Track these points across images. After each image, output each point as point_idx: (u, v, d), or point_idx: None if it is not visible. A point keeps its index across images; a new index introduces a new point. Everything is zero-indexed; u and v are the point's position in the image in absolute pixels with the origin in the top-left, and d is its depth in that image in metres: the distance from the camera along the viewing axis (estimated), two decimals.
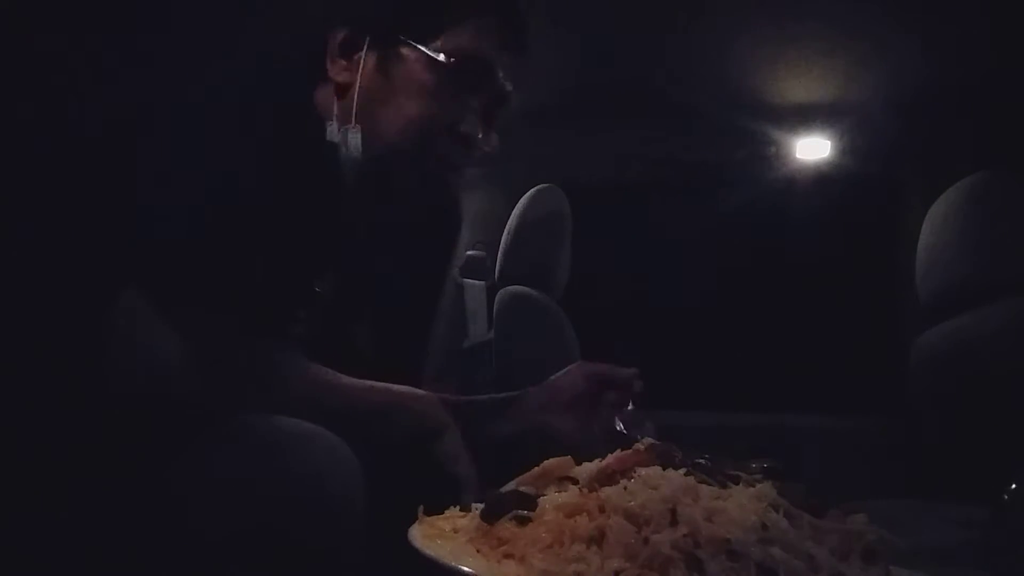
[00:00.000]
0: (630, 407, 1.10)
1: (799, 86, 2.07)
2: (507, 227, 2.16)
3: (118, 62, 0.86)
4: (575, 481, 0.76)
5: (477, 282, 2.40)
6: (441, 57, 0.95)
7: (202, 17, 0.92)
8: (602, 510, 0.66)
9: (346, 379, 0.90)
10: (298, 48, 0.95)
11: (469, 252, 2.46)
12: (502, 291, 2.11)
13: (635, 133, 2.33)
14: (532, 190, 2.14)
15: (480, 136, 1.00)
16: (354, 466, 0.75)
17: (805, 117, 2.17)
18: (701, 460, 0.74)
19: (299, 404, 0.79)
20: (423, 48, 0.95)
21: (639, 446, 0.78)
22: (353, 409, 0.88)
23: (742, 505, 0.64)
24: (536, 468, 0.81)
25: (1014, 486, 1.04)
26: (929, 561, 0.76)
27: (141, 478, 0.71)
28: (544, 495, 0.73)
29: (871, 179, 2.38)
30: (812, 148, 2.25)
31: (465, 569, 0.63)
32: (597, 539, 0.64)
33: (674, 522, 0.62)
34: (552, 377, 1.13)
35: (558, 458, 0.81)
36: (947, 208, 1.69)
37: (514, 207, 2.16)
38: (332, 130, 0.95)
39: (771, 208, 2.51)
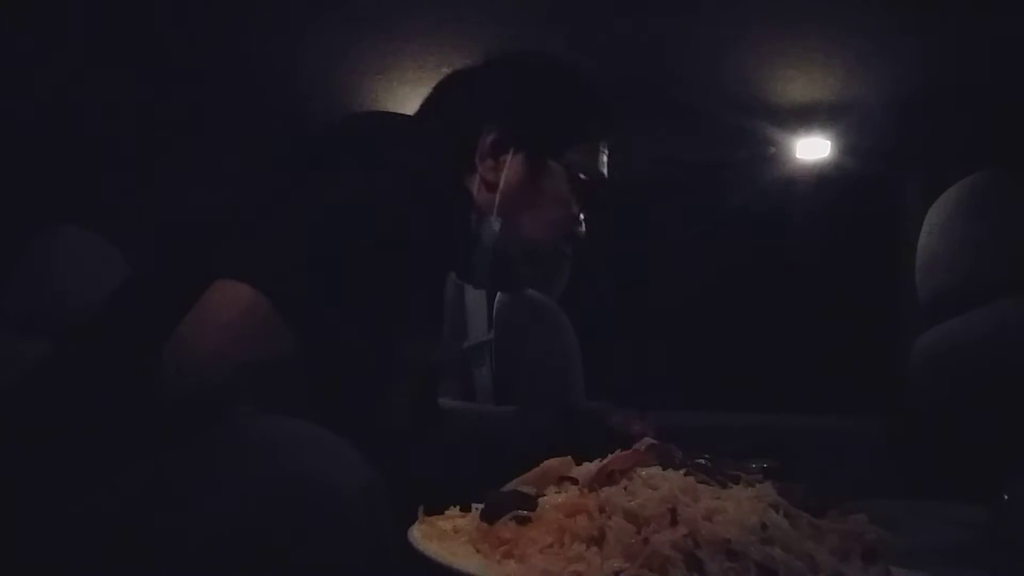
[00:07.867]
0: None
1: (799, 86, 2.07)
2: None
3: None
4: (575, 481, 0.76)
5: None
6: (583, 175, 1.08)
7: None
8: (602, 510, 0.65)
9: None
10: (449, 134, 1.02)
11: None
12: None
13: (635, 133, 2.33)
14: None
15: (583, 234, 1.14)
16: (358, 467, 0.74)
17: (805, 117, 2.17)
18: (701, 460, 0.74)
19: None
20: (573, 166, 1.08)
21: (639, 446, 0.78)
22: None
23: (742, 505, 0.64)
24: (536, 468, 0.81)
25: (1014, 486, 1.04)
26: (929, 561, 0.76)
27: (142, 477, 0.71)
28: (544, 495, 0.73)
29: (871, 179, 2.38)
30: (812, 148, 2.25)
31: (465, 569, 0.63)
32: (597, 539, 0.63)
33: (674, 522, 0.62)
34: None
35: (558, 458, 0.81)
36: (947, 208, 1.69)
37: None
38: (473, 218, 1.04)
39: (771, 208, 2.51)
